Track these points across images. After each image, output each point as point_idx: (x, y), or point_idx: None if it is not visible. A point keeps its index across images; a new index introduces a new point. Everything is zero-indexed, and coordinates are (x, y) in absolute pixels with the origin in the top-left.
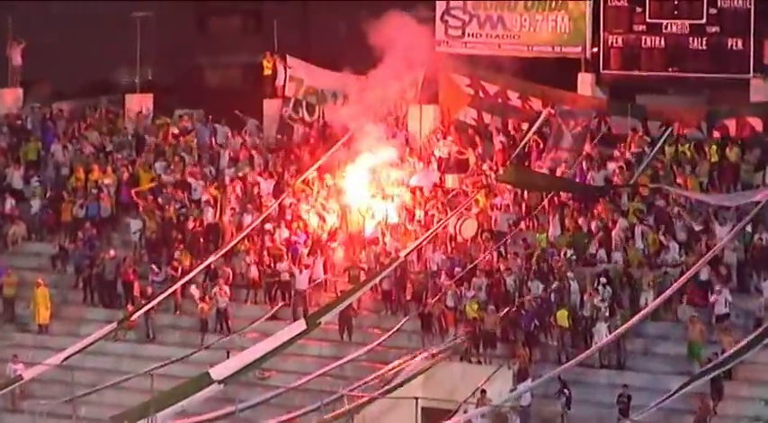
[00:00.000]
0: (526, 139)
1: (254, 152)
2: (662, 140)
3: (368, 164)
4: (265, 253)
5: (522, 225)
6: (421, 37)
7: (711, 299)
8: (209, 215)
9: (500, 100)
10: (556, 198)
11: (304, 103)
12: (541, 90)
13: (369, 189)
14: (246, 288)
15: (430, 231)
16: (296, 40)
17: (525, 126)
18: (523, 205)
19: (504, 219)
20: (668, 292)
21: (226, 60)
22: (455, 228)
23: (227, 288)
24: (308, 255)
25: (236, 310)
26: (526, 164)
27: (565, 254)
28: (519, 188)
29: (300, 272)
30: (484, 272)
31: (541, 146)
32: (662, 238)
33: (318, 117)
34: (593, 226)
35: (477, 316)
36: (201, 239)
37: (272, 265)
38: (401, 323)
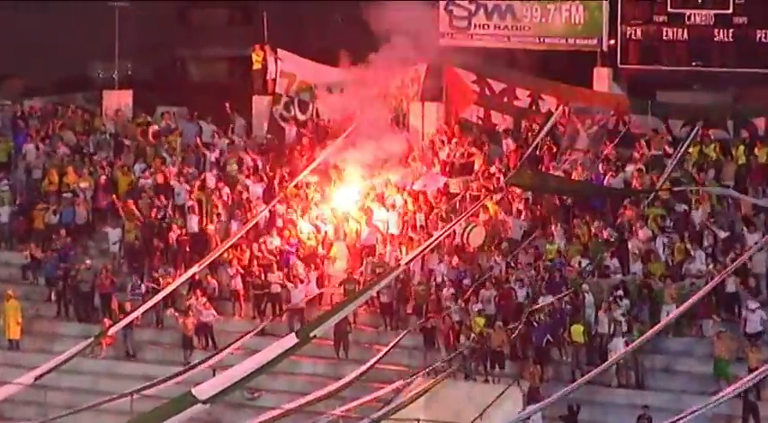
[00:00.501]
0: (538, 139)
1: (242, 153)
2: (688, 141)
3: (367, 160)
4: (255, 263)
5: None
6: (424, 28)
7: (744, 314)
8: (194, 222)
9: (506, 99)
10: (559, 204)
11: (296, 101)
12: (554, 87)
13: (366, 193)
14: (233, 301)
15: (433, 238)
16: (288, 31)
17: (537, 126)
18: (537, 211)
19: (516, 226)
20: (688, 304)
21: (211, 54)
22: (461, 236)
23: (204, 299)
24: (303, 266)
25: (222, 324)
26: (539, 167)
27: (579, 264)
28: (531, 191)
29: (296, 285)
30: (492, 283)
31: (555, 147)
32: (687, 246)
33: (312, 115)
34: (604, 234)
35: (484, 331)
36: (185, 248)
37: (262, 276)
38: (400, 337)
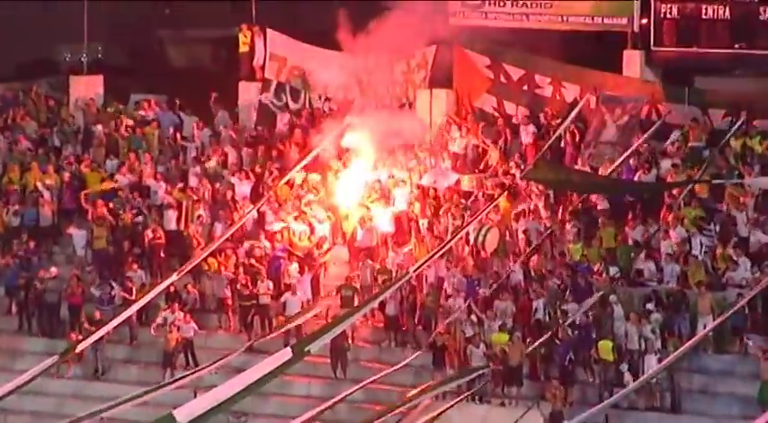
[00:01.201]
0: (560, 129)
1: (227, 147)
2: (730, 133)
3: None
4: (241, 270)
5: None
6: (432, 6)
7: None
8: (173, 224)
9: (526, 87)
10: (575, 200)
11: (288, 88)
12: (579, 73)
13: (368, 190)
14: (218, 313)
15: (444, 243)
16: (279, 10)
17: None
18: (560, 211)
19: (534, 228)
20: (727, 315)
21: (193, 35)
22: (475, 239)
23: (181, 314)
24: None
25: (204, 340)
26: (561, 161)
27: (606, 271)
28: (551, 188)
29: (294, 293)
30: (509, 293)
31: (579, 139)
32: (730, 251)
33: (305, 103)
34: (631, 237)
35: (506, 348)
36: (163, 253)
37: (250, 285)
38: (412, 357)
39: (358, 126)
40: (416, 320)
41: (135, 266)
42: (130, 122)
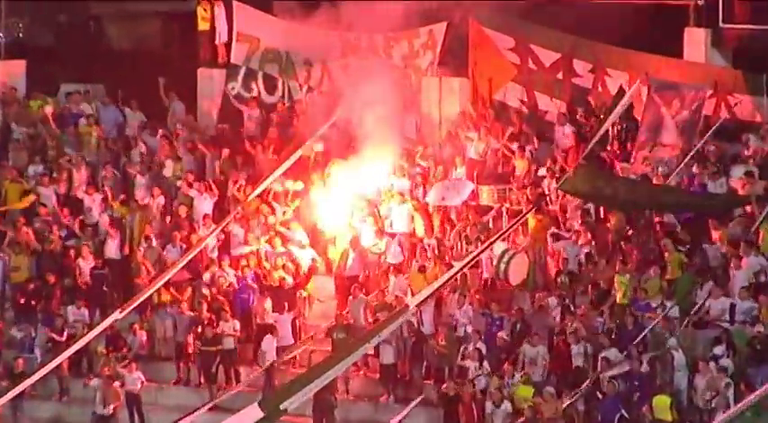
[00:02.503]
0: (605, 128)
1: (182, 150)
2: None
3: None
4: (204, 307)
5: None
6: None
7: None
8: (113, 248)
9: (561, 76)
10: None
11: (260, 75)
12: (628, 56)
13: (359, 206)
14: (173, 361)
15: (454, 270)
16: None
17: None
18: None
19: (572, 253)
20: None
21: (138, 9)
22: (496, 267)
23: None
24: (273, 309)
25: (155, 394)
26: (604, 167)
27: (662, 307)
28: (593, 203)
29: (272, 333)
30: (540, 335)
31: (629, 140)
32: None
33: (283, 96)
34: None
35: (533, 404)
36: (101, 286)
37: (213, 324)
38: (409, 408)
39: (348, 124)
40: (423, 370)
41: (68, 302)
42: (60, 118)
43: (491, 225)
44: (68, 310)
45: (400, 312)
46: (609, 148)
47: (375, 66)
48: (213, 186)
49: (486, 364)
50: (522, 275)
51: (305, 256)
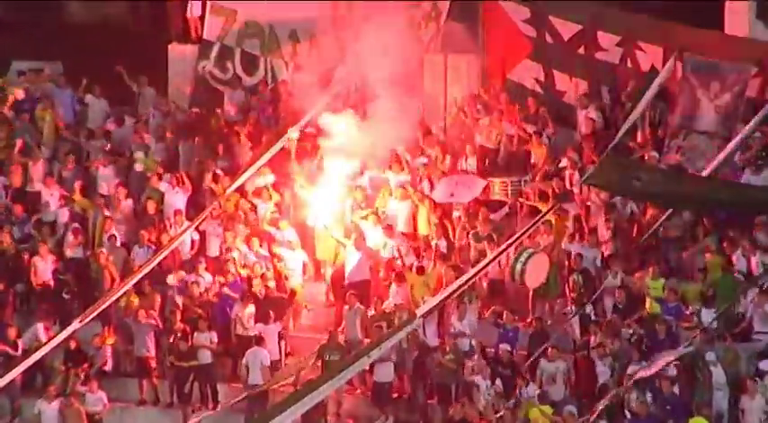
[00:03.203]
0: (636, 113)
1: (149, 138)
2: None
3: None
4: (175, 316)
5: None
6: None
7: None
8: (73, 249)
9: (582, 50)
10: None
11: (238, 53)
12: (662, 29)
13: (354, 202)
14: (140, 377)
15: (468, 275)
16: None
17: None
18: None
19: (591, 256)
20: None
21: None
22: (512, 269)
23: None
24: (256, 319)
25: (120, 416)
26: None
27: (697, 315)
28: (622, 196)
29: (259, 344)
30: (560, 349)
31: (660, 127)
32: None
33: (266, 76)
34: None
35: None
36: (60, 291)
37: (186, 336)
38: None
39: (340, 107)
40: (425, 389)
41: (21, 310)
42: (13, 101)
43: (501, 222)
44: (21, 320)
45: (405, 323)
46: (638, 135)
47: (373, 37)
48: (185, 179)
49: (498, 381)
50: (540, 279)
51: (296, 260)
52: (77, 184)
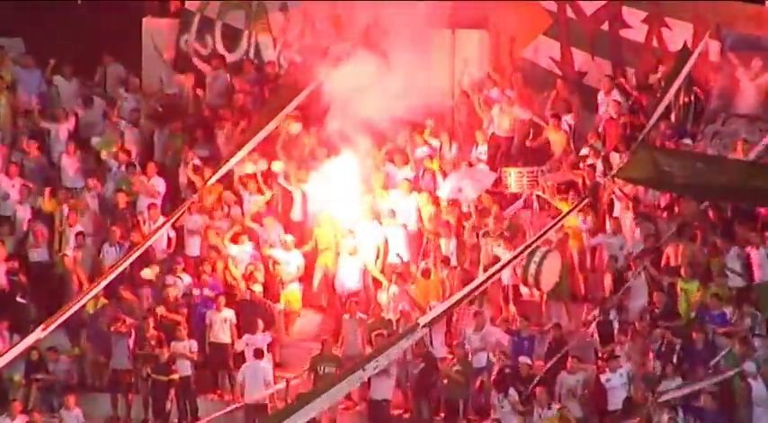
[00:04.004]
0: (668, 97)
1: (122, 123)
2: None
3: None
4: (148, 322)
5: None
6: None
7: None
8: (39, 250)
9: (606, 27)
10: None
11: (219, 26)
12: (693, 2)
13: (353, 198)
14: (112, 392)
15: (479, 280)
16: None
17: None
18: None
19: (616, 246)
20: None
21: None
22: (524, 270)
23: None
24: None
25: None
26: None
27: (733, 323)
28: (658, 190)
29: (258, 356)
30: (581, 359)
31: (696, 110)
32: None
33: (248, 50)
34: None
35: None
36: (20, 297)
37: (162, 343)
38: None
39: (335, 87)
40: (431, 403)
41: None
42: None
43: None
44: None
45: (408, 332)
46: (670, 120)
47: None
48: (155, 168)
49: (512, 393)
50: (554, 280)
51: (291, 261)
52: (47, 191)
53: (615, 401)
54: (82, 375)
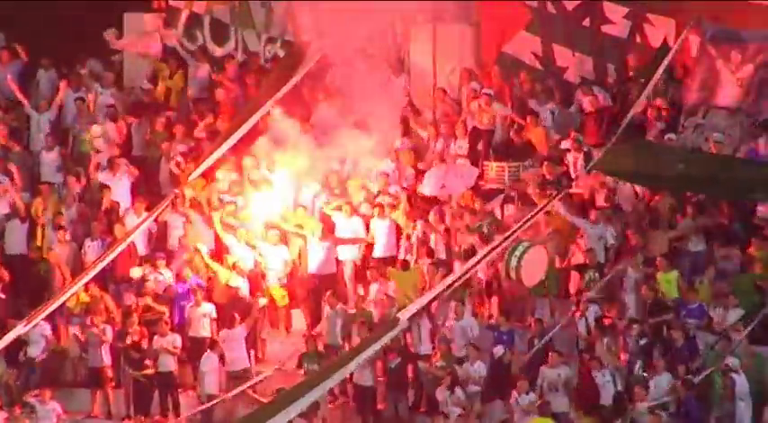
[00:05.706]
0: (646, 92)
1: (104, 120)
2: None
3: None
4: (131, 318)
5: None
6: None
7: None
8: (18, 243)
9: (587, 22)
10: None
11: (206, 21)
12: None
13: (328, 191)
14: (92, 388)
15: (459, 273)
16: None
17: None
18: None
19: (595, 236)
20: None
21: None
22: (506, 264)
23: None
24: (219, 325)
25: None
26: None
27: (719, 314)
28: (636, 184)
29: (212, 349)
30: (562, 354)
31: (674, 104)
32: None
33: (236, 47)
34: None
35: None
36: (1, 292)
37: (144, 339)
38: None
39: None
40: (407, 399)
41: None
42: None
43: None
44: None
45: (389, 327)
46: (649, 113)
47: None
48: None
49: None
50: (539, 275)
51: (276, 256)
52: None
53: (605, 396)
54: (60, 370)
